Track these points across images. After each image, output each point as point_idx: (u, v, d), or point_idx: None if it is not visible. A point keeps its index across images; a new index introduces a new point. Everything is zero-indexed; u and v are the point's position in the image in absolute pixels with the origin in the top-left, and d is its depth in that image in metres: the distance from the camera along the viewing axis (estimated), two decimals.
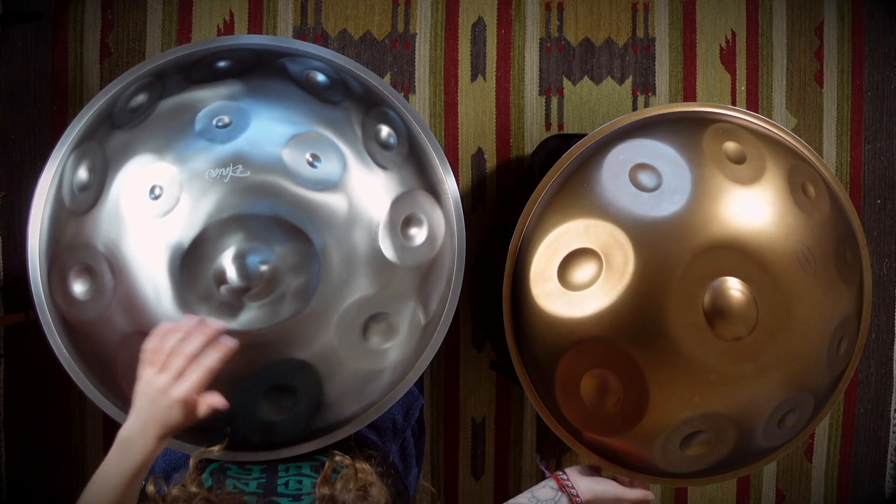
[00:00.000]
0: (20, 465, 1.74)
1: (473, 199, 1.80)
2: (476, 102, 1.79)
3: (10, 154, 1.70)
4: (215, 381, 0.97)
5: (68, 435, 1.73)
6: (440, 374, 1.81)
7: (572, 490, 1.12)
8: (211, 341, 0.91)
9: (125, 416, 1.03)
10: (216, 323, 0.93)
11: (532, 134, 1.81)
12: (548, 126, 1.82)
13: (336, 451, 0.97)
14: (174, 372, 0.88)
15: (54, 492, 1.74)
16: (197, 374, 0.89)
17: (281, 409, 1.04)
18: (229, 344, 0.92)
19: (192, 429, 1.04)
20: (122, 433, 0.90)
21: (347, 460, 0.95)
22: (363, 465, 0.95)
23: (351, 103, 1.09)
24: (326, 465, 0.95)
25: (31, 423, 1.73)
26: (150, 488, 0.89)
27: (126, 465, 0.88)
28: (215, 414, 0.92)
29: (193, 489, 0.87)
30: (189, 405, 0.89)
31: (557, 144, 1.62)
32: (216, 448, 0.96)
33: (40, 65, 1.70)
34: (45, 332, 1.07)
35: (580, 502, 1.12)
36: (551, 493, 1.13)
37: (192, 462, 0.92)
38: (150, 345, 0.91)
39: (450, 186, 1.14)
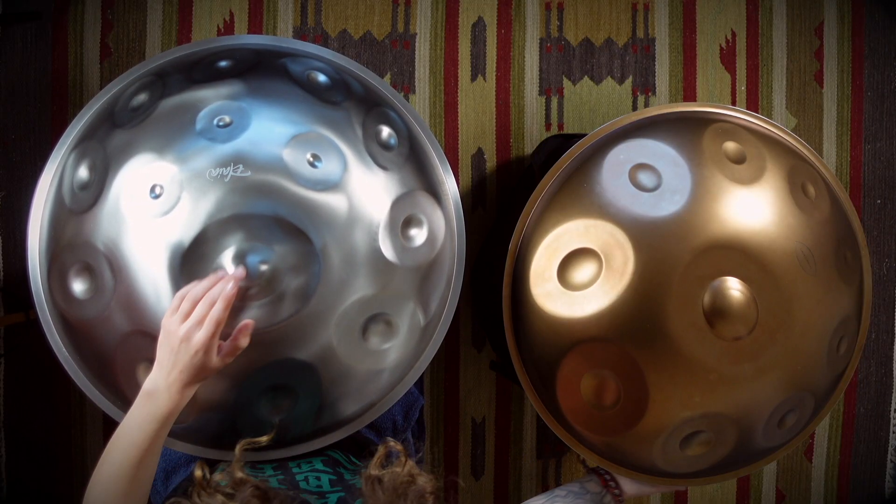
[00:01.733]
0: (20, 465, 1.74)
1: (473, 199, 1.80)
2: (476, 102, 1.79)
3: (10, 154, 1.70)
4: (217, 382, 0.97)
5: (68, 435, 1.73)
6: (440, 374, 1.81)
7: (615, 490, 1.16)
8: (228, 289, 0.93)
9: (122, 415, 1.03)
10: (237, 272, 0.95)
11: (532, 134, 1.81)
12: (548, 126, 1.82)
13: (390, 438, 0.98)
14: (196, 319, 0.91)
15: (54, 492, 1.74)
16: (215, 318, 0.91)
17: (280, 409, 1.04)
18: (231, 290, 0.93)
19: (199, 431, 1.04)
20: (146, 385, 0.92)
21: (400, 447, 0.96)
22: (410, 461, 0.96)
23: (352, 104, 1.09)
24: (380, 449, 0.96)
25: (31, 423, 1.73)
26: (198, 473, 0.90)
27: (150, 417, 0.90)
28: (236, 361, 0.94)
29: (240, 475, 0.88)
30: (210, 350, 0.92)
31: (557, 144, 1.62)
32: (264, 438, 0.97)
33: (40, 65, 1.70)
34: (45, 331, 1.07)
35: (622, 501, 1.16)
36: (597, 486, 1.17)
37: (237, 450, 0.93)
38: (176, 295, 0.93)
39: (450, 187, 1.14)
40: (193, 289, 0.93)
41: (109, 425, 1.68)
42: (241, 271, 0.95)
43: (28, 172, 1.70)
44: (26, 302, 1.70)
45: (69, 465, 1.74)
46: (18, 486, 1.74)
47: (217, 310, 0.91)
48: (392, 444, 0.97)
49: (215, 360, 0.93)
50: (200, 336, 0.90)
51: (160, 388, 0.91)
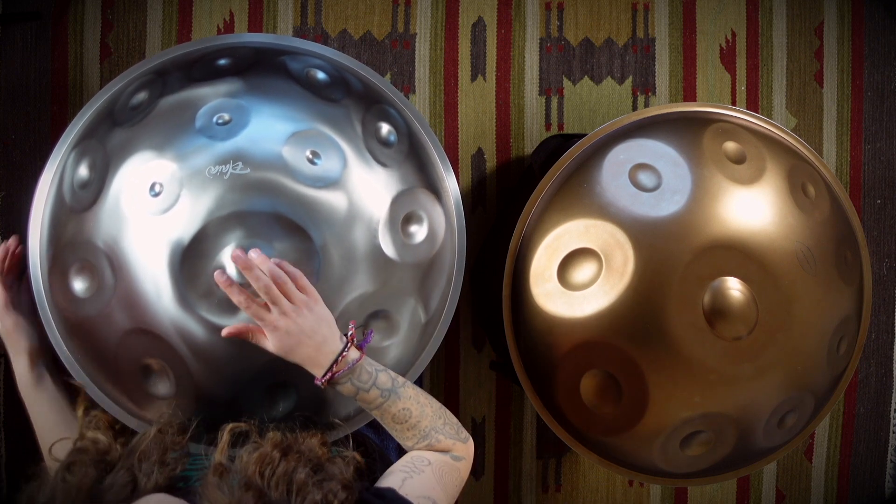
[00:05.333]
0: (20, 465, 1.74)
1: (473, 199, 1.80)
2: (476, 102, 1.79)
3: (10, 154, 1.70)
4: (218, 379, 0.97)
5: None
6: (440, 374, 1.81)
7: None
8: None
9: (125, 414, 1.04)
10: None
11: (532, 134, 1.81)
12: (548, 126, 1.82)
13: (230, 422, 0.94)
14: None
15: None
16: None
17: (280, 407, 1.04)
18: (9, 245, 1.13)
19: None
20: None
21: (246, 425, 0.93)
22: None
23: (351, 101, 1.09)
24: (224, 435, 0.91)
25: (31, 423, 1.73)
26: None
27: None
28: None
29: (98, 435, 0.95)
30: None
31: (557, 144, 1.62)
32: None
33: (40, 65, 1.69)
34: (46, 329, 1.07)
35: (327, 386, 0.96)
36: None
37: (79, 413, 1.01)
38: None
39: (450, 184, 1.14)
40: None
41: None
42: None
43: (28, 172, 1.70)
44: None
45: None
46: (18, 486, 1.74)
47: None
48: (233, 426, 0.92)
49: None
50: None
51: None
